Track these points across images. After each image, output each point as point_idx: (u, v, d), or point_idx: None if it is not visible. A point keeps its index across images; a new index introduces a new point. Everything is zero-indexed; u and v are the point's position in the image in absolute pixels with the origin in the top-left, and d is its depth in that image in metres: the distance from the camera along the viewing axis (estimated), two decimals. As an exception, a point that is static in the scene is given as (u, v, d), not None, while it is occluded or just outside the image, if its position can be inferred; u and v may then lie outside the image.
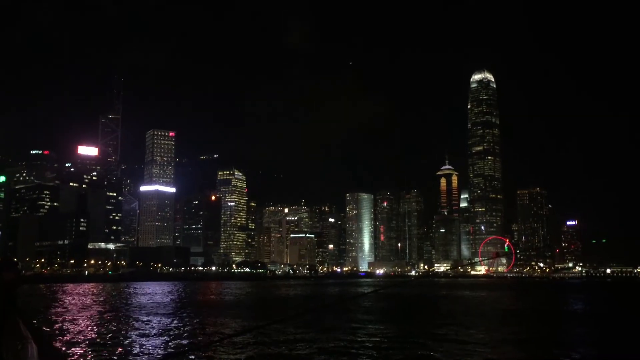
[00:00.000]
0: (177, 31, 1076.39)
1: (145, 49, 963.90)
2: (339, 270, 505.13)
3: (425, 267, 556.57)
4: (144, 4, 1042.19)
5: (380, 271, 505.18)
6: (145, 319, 60.61)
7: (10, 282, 6.03)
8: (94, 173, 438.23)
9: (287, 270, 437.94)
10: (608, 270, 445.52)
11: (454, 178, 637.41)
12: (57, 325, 52.41)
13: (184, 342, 42.80)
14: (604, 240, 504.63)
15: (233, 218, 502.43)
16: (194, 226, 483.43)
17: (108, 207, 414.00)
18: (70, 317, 61.60)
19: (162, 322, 56.56)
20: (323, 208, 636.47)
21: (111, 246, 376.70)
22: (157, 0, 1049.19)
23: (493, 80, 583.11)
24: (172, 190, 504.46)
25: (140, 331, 48.82)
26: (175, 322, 57.61)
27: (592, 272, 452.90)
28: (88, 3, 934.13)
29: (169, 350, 38.60)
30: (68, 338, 43.45)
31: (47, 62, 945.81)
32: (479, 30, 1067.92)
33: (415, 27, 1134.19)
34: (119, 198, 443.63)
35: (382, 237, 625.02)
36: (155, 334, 46.75)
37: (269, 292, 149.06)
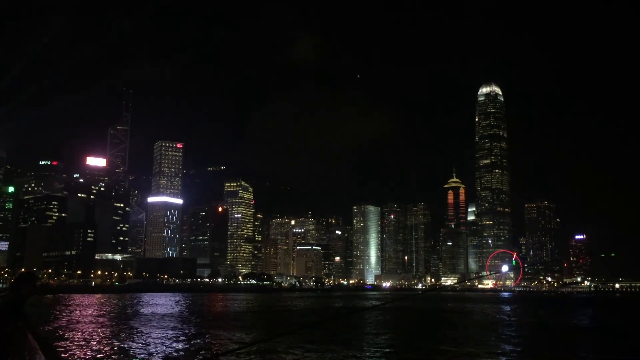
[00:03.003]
0: (186, 45, 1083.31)
1: (155, 63, 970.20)
2: (345, 282, 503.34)
3: (432, 280, 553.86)
4: (154, 18, 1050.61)
5: (386, 284, 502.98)
6: (151, 330, 60.56)
7: (26, 295, 6.33)
8: (102, 184, 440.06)
9: (293, 283, 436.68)
10: (617, 285, 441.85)
11: (462, 191, 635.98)
12: (64, 336, 52.46)
13: (189, 354, 42.71)
14: (612, 255, 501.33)
15: (240, 230, 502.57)
16: (200, 237, 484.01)
17: (115, 217, 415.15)
18: (76, 328, 61.66)
19: (168, 334, 56.50)
20: (330, 220, 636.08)
21: (118, 257, 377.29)
22: (166, 14, 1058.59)
23: (501, 93, 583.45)
24: (179, 201, 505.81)
25: (146, 343, 48.78)
26: (180, 334, 57.53)
27: (600, 286, 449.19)
28: (98, 16, 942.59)
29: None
30: (75, 349, 43.49)
31: (57, 73, 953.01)
32: (486, 44, 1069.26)
33: (423, 40, 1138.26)
34: (127, 209, 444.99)
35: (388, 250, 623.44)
36: (161, 346, 46.69)
37: (274, 304, 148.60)
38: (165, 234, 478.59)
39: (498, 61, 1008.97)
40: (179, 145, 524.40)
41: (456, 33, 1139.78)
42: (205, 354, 42.44)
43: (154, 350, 44.22)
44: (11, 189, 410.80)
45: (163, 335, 55.71)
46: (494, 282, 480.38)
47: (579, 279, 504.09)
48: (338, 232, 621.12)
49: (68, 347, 44.25)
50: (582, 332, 72.95)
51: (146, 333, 57.44)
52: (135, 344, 47.77)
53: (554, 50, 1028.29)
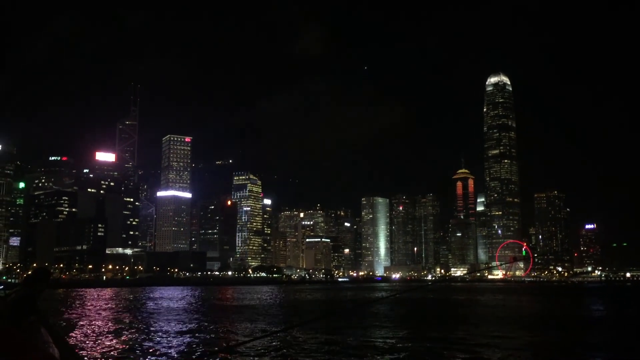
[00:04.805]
0: (194, 40, 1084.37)
1: (163, 57, 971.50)
2: (354, 274, 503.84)
3: (442, 271, 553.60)
4: (162, 14, 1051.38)
5: (396, 275, 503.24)
6: (163, 324, 60.87)
7: (39, 290, 6.55)
8: (112, 179, 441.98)
9: (303, 275, 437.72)
10: (628, 274, 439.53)
11: (470, 182, 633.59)
12: (76, 330, 52.84)
13: (202, 347, 42.90)
14: (624, 244, 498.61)
15: (249, 223, 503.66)
16: (210, 231, 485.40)
17: (125, 212, 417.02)
18: (88, 322, 62.08)
19: (179, 327, 56.76)
20: (339, 212, 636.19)
21: (128, 251, 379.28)
22: (175, 10, 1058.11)
23: (509, 83, 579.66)
24: (189, 195, 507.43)
25: (158, 336, 49.03)
26: (192, 327, 57.79)
27: (611, 276, 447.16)
28: (108, 13, 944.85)
29: (188, 355, 38.71)
30: (87, 342, 43.79)
31: (66, 69, 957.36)
32: (495, 33, 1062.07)
33: (430, 31, 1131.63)
34: (136, 203, 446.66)
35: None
36: (172, 339, 46.93)
37: (285, 296, 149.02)
38: (174, 228, 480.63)
39: (506, 51, 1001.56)
40: (187, 139, 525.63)
41: (464, 24, 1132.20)
42: (219, 347, 42.62)
43: (166, 343, 44.44)
44: (22, 184, 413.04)
45: (174, 328, 55.98)
46: (504, 272, 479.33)
47: (589, 269, 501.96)
48: (347, 224, 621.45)
49: (81, 341, 44.57)
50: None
51: (157, 326, 57.74)
52: (147, 337, 48.03)
53: (562, 40, 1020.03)
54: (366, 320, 62.23)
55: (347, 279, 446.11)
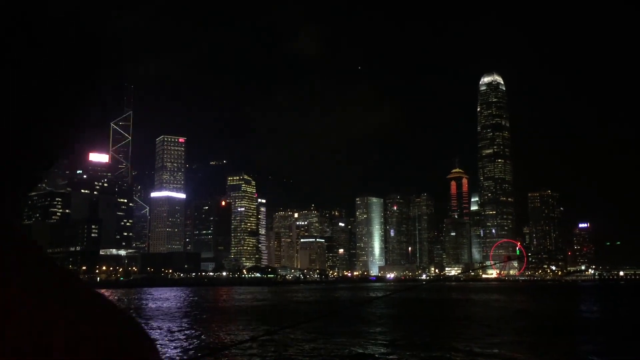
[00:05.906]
0: (188, 39, 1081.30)
1: (158, 57, 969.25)
2: (349, 274, 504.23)
3: (436, 270, 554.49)
4: (158, 15, 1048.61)
5: (390, 275, 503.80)
6: (158, 324, 60.73)
7: None
8: (105, 180, 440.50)
9: (297, 275, 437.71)
10: (621, 273, 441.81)
11: (464, 181, 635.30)
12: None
13: (192, 348, 42.83)
14: (617, 243, 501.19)
15: (243, 223, 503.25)
16: (204, 232, 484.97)
17: (119, 213, 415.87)
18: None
19: (172, 328, 56.65)
20: (333, 212, 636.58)
21: (122, 252, 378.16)
22: (171, 10, 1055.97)
23: (502, 82, 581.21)
24: (183, 196, 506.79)
25: (153, 338, 48.85)
26: (183, 327, 57.69)
27: (605, 274, 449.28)
28: (101, 13, 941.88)
29: (178, 356, 38.65)
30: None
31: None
32: (489, 33, 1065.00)
33: (425, 31, 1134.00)
34: (130, 204, 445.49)
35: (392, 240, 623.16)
36: (166, 340, 46.83)
37: (280, 297, 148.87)
38: (169, 229, 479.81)
39: (499, 50, 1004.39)
40: (181, 140, 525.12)
41: (458, 25, 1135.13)
42: (208, 348, 42.56)
43: (162, 344, 44.34)
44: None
45: (167, 329, 55.86)
46: (498, 272, 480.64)
47: (583, 268, 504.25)
48: (341, 224, 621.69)
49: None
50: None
51: (153, 327, 57.59)
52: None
53: (555, 40, 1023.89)
54: (359, 320, 62.28)
55: (335, 278, 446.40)
